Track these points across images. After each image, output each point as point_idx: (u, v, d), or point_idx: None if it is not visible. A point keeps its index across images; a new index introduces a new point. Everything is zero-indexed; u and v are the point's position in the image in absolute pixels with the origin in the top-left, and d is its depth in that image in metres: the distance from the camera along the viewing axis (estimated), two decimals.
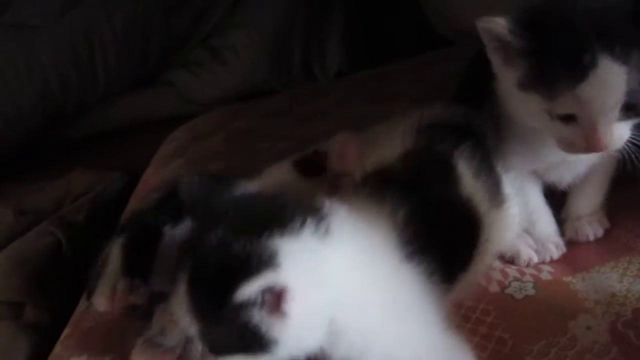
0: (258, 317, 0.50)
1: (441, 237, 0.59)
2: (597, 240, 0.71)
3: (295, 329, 0.51)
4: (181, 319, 0.53)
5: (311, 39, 1.80)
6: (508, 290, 0.65)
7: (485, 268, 0.66)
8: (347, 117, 1.24)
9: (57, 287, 0.97)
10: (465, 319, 0.63)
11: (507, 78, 0.62)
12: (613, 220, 0.72)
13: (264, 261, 0.49)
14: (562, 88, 0.56)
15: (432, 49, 1.53)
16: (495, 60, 0.61)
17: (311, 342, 0.53)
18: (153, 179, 1.15)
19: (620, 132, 0.58)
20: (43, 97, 1.63)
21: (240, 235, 0.51)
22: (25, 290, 0.95)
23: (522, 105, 0.62)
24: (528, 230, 0.72)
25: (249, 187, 0.63)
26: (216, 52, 1.76)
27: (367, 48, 1.85)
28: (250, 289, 0.48)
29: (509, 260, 0.70)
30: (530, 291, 0.65)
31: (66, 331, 0.80)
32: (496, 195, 0.66)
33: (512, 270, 0.69)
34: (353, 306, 0.53)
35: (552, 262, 0.70)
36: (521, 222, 0.71)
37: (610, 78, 0.54)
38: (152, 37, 1.71)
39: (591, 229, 0.71)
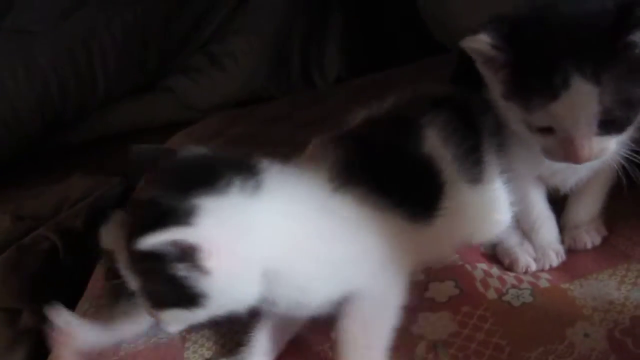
0: (184, 271, 0.52)
1: (386, 182, 0.62)
2: (595, 248, 0.71)
3: (224, 283, 0.54)
4: (127, 275, 0.56)
5: (310, 45, 1.80)
6: (506, 297, 0.65)
7: (457, 243, 0.69)
8: (346, 123, 1.24)
9: (54, 292, 0.96)
10: (462, 325, 0.62)
11: (495, 88, 0.63)
12: (611, 228, 0.72)
13: (178, 217, 0.52)
14: (537, 104, 0.57)
15: (430, 55, 1.54)
16: (485, 72, 0.63)
17: (247, 295, 0.56)
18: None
19: (601, 146, 0.59)
20: (42, 102, 1.63)
21: (168, 193, 0.54)
22: (22, 296, 0.95)
23: (507, 113, 0.64)
24: (529, 237, 0.72)
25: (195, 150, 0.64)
26: (215, 59, 1.76)
27: (366, 54, 1.86)
28: (152, 241, 0.50)
29: (508, 267, 0.70)
30: (528, 298, 0.65)
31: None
32: (473, 171, 0.67)
33: (509, 277, 0.68)
34: (288, 257, 0.56)
35: (550, 269, 0.70)
36: (523, 227, 0.72)
37: (581, 98, 0.55)
38: (151, 42, 1.71)
39: (589, 237, 0.71)
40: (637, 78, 0.56)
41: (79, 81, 1.65)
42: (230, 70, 1.73)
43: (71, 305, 0.87)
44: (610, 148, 0.60)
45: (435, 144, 0.65)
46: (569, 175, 0.70)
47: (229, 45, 1.74)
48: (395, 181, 0.62)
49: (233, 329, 0.68)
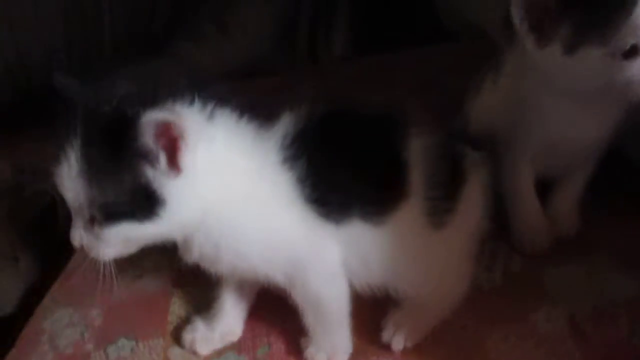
0: (151, 173, 0.54)
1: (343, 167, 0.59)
2: (570, 237, 0.73)
3: (183, 193, 0.55)
4: (70, 189, 0.56)
5: (318, 21, 1.81)
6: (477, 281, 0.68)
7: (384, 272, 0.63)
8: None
9: (50, 244, 0.99)
10: None
11: (548, 54, 0.61)
12: (592, 218, 0.74)
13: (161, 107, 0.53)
14: (616, 26, 0.57)
15: (438, 41, 1.55)
16: (529, 42, 0.62)
17: (190, 217, 0.57)
18: None
19: None
20: (47, 51, 1.64)
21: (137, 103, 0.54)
22: (20, 244, 0.98)
23: (576, 69, 0.61)
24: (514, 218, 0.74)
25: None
26: (223, 27, 1.77)
27: (374, 34, 1.87)
28: (153, 116, 0.51)
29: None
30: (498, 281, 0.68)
31: (55, 285, 0.83)
32: (434, 209, 0.62)
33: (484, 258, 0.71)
34: (223, 207, 0.57)
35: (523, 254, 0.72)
36: (509, 208, 0.73)
37: None
38: (161, 6, 1.72)
39: (566, 226, 0.74)
40: None
41: (86, 33, 1.66)
42: (238, 40, 1.74)
43: (66, 257, 0.90)
44: None
45: (416, 157, 0.61)
46: (559, 157, 0.71)
47: (238, 15, 1.75)
48: (356, 170, 0.60)
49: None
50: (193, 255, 0.60)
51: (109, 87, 0.58)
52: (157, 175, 0.54)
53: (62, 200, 1.12)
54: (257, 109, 0.63)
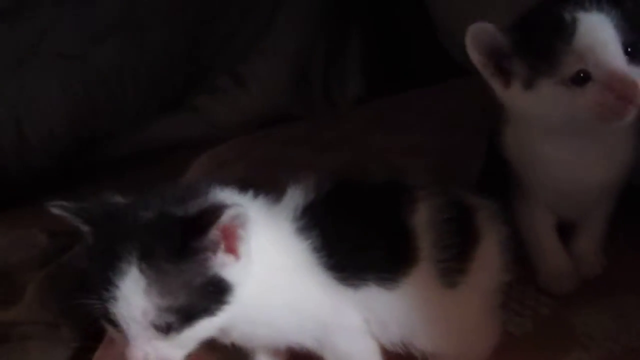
0: (215, 263, 0.55)
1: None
2: (596, 278, 0.75)
3: (243, 276, 0.57)
4: (137, 307, 0.54)
5: (331, 65, 1.86)
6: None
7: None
8: (367, 146, 1.30)
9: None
10: None
11: (513, 94, 0.64)
12: (619, 257, 0.76)
13: (217, 207, 0.55)
14: (561, 51, 0.59)
15: (451, 76, 1.57)
16: (495, 85, 0.65)
17: (248, 300, 0.58)
18: None
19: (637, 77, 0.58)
20: (74, 122, 1.70)
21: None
22: (60, 312, 1.01)
23: (538, 102, 0.62)
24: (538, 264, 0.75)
25: None
26: (239, 79, 1.82)
27: (387, 74, 1.90)
28: (230, 213, 0.53)
29: None
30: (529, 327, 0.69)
31: (97, 353, 0.86)
32: (447, 270, 0.63)
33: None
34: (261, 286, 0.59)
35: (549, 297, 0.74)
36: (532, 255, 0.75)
37: (595, 24, 0.58)
38: (179, 64, 1.78)
39: (591, 267, 0.75)
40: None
41: (110, 102, 1.72)
42: (254, 91, 1.79)
43: None
44: None
45: (423, 223, 0.63)
46: (574, 201, 0.73)
47: (253, 65, 1.80)
48: (366, 239, 0.63)
49: None
50: (231, 337, 0.62)
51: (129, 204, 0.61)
52: (220, 264, 0.56)
53: None
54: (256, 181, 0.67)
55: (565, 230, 0.77)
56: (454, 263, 0.62)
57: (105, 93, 1.70)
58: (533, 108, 0.64)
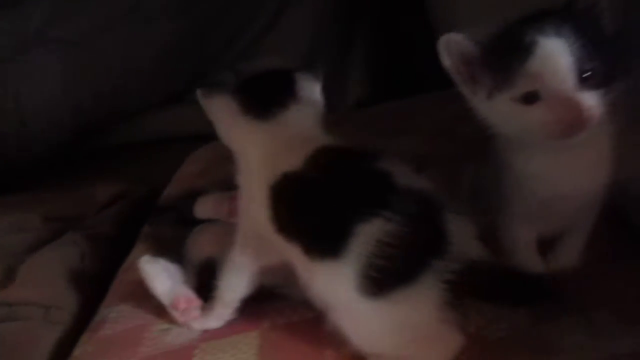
0: None
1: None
2: (570, 292, 0.76)
3: None
4: None
5: (333, 69, 1.88)
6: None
7: None
8: None
9: (79, 294, 1.05)
10: None
11: (479, 101, 0.67)
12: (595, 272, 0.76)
13: None
14: (517, 70, 0.62)
15: (453, 85, 1.58)
16: (466, 91, 0.68)
17: None
18: (173, 196, 1.23)
19: (589, 103, 0.61)
20: (76, 109, 1.72)
21: None
22: (51, 294, 1.03)
23: (496, 113, 0.67)
24: None
25: None
26: (241, 75, 1.84)
27: (389, 81, 1.92)
28: None
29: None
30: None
31: (84, 336, 0.88)
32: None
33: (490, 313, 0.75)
34: None
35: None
36: None
37: (552, 49, 0.61)
38: (185, 59, 1.80)
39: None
40: (595, 30, 0.63)
41: (113, 92, 1.74)
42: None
43: (93, 307, 0.95)
44: (598, 106, 0.62)
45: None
46: (554, 213, 0.75)
47: (255, 64, 1.82)
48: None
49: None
50: None
51: None
52: None
53: (89, 252, 1.17)
54: None
55: (547, 244, 0.79)
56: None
57: (108, 83, 1.73)
58: (492, 118, 0.68)
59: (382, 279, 0.63)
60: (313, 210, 0.67)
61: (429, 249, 0.63)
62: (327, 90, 2.02)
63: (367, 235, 0.63)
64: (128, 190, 1.40)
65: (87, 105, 1.72)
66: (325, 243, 0.65)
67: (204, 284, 0.81)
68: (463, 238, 0.65)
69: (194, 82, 1.82)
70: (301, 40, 1.86)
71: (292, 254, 0.68)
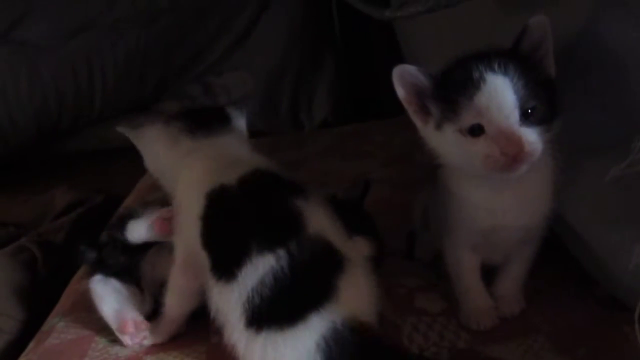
0: None
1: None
2: (512, 318, 0.79)
3: None
4: None
5: (300, 87, 1.91)
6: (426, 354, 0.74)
7: None
8: (322, 170, 1.34)
9: (29, 302, 1.04)
10: None
11: (428, 131, 0.70)
12: (528, 301, 0.80)
13: None
14: (463, 103, 0.65)
15: None
16: (417, 120, 0.71)
17: None
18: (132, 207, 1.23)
19: (530, 139, 0.65)
20: (39, 113, 1.71)
21: None
22: (2, 301, 1.02)
23: (443, 143, 0.70)
24: (461, 300, 0.80)
25: None
26: (209, 89, 1.85)
27: (354, 101, 1.96)
28: None
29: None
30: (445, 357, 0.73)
31: (30, 345, 0.87)
32: None
33: (433, 334, 0.77)
34: None
35: (469, 331, 0.78)
36: (456, 291, 0.80)
37: (498, 86, 0.64)
38: (151, 68, 1.81)
39: (509, 307, 0.80)
40: (537, 72, 0.66)
41: (78, 96, 1.74)
42: (222, 102, 1.82)
43: (44, 315, 0.94)
44: (538, 142, 0.65)
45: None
46: (496, 244, 0.78)
47: (224, 78, 1.83)
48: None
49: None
50: None
51: None
52: None
53: (43, 258, 1.16)
54: None
55: (490, 271, 0.81)
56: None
57: (73, 87, 1.72)
58: (440, 148, 0.71)
59: (258, 315, 0.65)
60: (226, 228, 0.70)
61: (309, 302, 0.65)
62: (294, 108, 2.06)
63: (257, 268, 0.65)
64: (85, 198, 1.39)
65: (50, 108, 1.71)
66: (224, 264, 0.68)
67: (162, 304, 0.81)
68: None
69: (160, 90, 1.83)
70: (271, 55, 1.89)
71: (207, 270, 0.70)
